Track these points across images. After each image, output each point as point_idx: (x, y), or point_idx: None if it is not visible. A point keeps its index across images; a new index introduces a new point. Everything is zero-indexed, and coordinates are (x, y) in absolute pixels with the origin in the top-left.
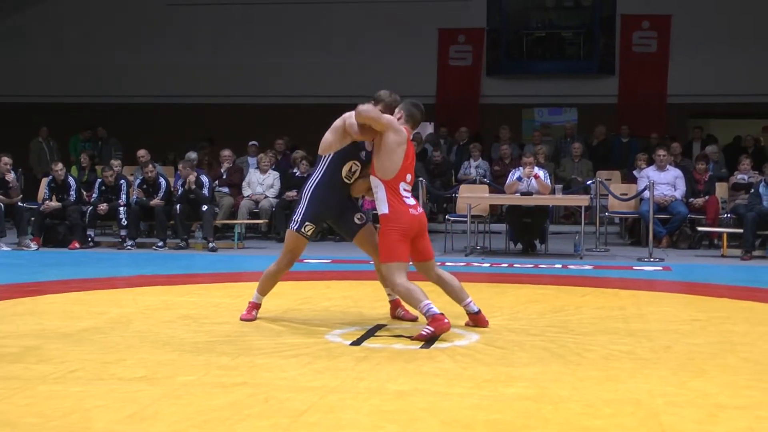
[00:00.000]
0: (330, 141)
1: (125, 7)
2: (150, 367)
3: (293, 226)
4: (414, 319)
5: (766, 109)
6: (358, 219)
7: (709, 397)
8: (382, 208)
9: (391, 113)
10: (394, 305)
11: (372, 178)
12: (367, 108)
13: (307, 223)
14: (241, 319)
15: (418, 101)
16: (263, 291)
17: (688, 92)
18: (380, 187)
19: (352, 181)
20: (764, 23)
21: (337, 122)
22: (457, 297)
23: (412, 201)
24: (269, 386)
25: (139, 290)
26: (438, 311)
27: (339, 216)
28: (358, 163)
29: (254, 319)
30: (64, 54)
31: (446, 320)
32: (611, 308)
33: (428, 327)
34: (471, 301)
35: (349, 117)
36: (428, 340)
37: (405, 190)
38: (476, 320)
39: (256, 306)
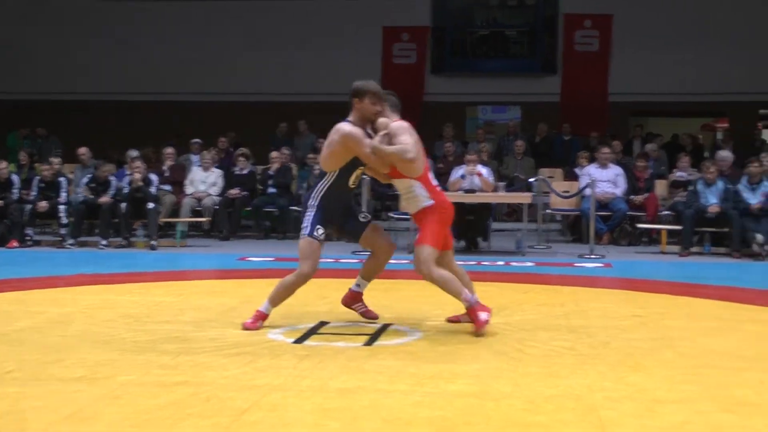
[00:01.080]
0: (330, 162)
1: (74, 4)
2: (89, 366)
3: (305, 232)
4: (375, 317)
5: (704, 107)
6: (363, 218)
7: (647, 391)
8: (425, 202)
9: (379, 102)
10: (354, 296)
11: (401, 181)
12: (389, 149)
13: (318, 227)
14: (245, 328)
15: (390, 91)
16: (274, 301)
17: (629, 91)
18: (415, 184)
19: (357, 184)
20: (702, 24)
21: (336, 144)
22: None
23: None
24: (211, 385)
25: (79, 289)
26: (477, 299)
27: (344, 219)
28: (364, 169)
29: (258, 328)
30: (5, 50)
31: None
32: (553, 305)
33: (482, 313)
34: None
35: (357, 145)
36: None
37: (432, 179)
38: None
39: (262, 316)
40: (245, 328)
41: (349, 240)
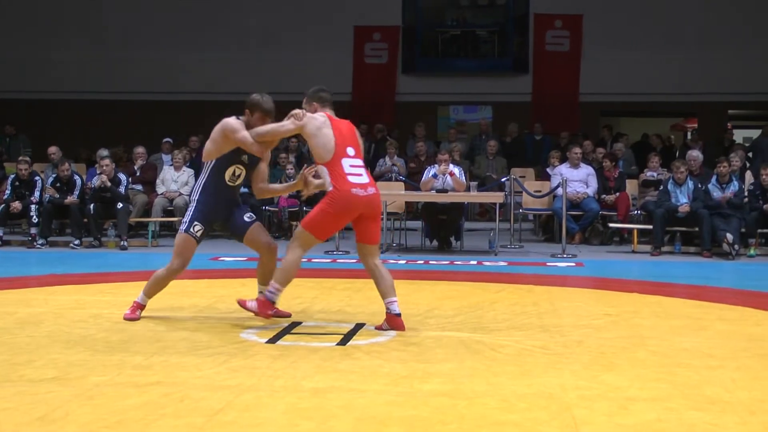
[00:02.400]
0: (210, 149)
1: (38, 2)
2: (61, 367)
3: (182, 227)
4: (287, 315)
5: (674, 107)
6: (248, 217)
7: (619, 390)
8: (328, 186)
9: (267, 119)
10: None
11: (319, 167)
12: (263, 130)
13: (195, 223)
14: (125, 319)
15: (320, 86)
16: (149, 293)
17: (599, 91)
18: (323, 170)
19: (236, 183)
20: (672, 24)
21: (216, 133)
22: (385, 293)
23: (360, 180)
24: (184, 385)
25: (50, 289)
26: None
27: (227, 217)
28: (241, 167)
29: (138, 318)
30: None
31: (272, 311)
32: (525, 304)
33: (253, 302)
34: (395, 302)
35: (233, 132)
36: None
37: (351, 166)
38: (394, 323)
39: (140, 306)
40: (126, 318)
41: (234, 238)
